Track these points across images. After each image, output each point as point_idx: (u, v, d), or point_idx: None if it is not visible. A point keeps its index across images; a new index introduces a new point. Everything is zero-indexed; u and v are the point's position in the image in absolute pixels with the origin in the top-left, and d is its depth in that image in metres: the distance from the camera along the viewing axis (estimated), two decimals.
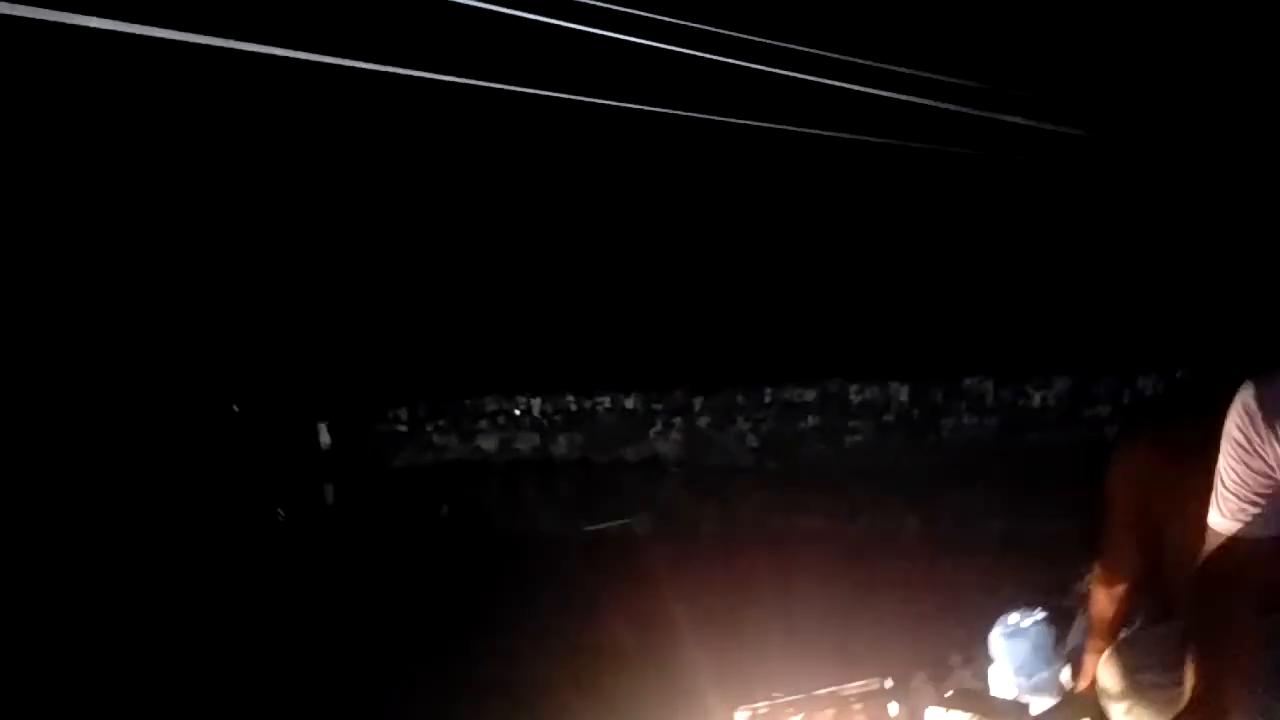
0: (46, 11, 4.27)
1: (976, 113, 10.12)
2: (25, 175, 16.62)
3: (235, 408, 17.78)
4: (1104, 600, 2.49)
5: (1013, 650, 3.03)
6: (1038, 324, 14.20)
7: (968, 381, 14.74)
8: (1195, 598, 1.69)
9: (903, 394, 15.04)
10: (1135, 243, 13.62)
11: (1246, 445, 1.66)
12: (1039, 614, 3.07)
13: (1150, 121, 12.35)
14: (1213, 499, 1.72)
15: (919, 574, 7.17)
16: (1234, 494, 1.67)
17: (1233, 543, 1.67)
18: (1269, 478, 1.65)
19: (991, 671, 3.10)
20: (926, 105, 9.80)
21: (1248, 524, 1.66)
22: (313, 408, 17.53)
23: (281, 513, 14.38)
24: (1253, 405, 1.64)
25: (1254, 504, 1.66)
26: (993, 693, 3.02)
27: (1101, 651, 2.35)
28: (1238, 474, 1.67)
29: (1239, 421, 1.66)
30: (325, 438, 17.54)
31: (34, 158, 16.61)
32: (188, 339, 17.45)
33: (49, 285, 17.43)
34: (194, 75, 14.03)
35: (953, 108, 9.92)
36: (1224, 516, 1.69)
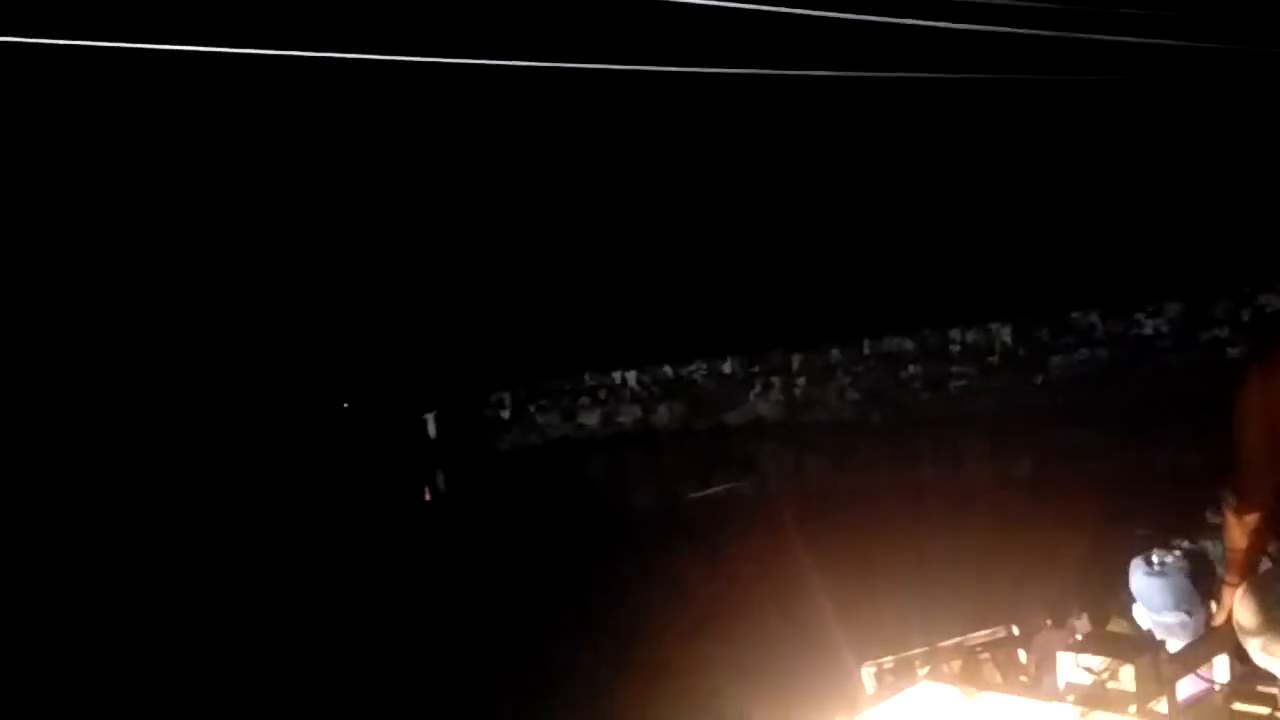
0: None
1: (1052, 34, 9.72)
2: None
3: (346, 405, 18.41)
4: (1239, 533, 2.40)
5: (1149, 589, 2.97)
6: (1144, 249, 13.66)
7: (1074, 315, 14.28)
8: None
9: (1005, 334, 14.67)
10: (1238, 157, 12.98)
11: None
12: (1175, 553, 3.00)
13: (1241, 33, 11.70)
14: None
15: (1036, 518, 7.01)
16: None
17: None
18: None
19: (1135, 610, 3.05)
20: (1000, 32, 9.48)
21: None
22: (419, 401, 18.04)
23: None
24: None
25: None
26: (1140, 630, 2.97)
27: (1238, 586, 2.28)
28: None
29: None
30: (433, 429, 18.04)
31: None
32: (296, 346, 18.04)
33: (156, 287, 18.18)
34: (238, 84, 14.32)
35: (1027, 32, 9.57)
36: None
